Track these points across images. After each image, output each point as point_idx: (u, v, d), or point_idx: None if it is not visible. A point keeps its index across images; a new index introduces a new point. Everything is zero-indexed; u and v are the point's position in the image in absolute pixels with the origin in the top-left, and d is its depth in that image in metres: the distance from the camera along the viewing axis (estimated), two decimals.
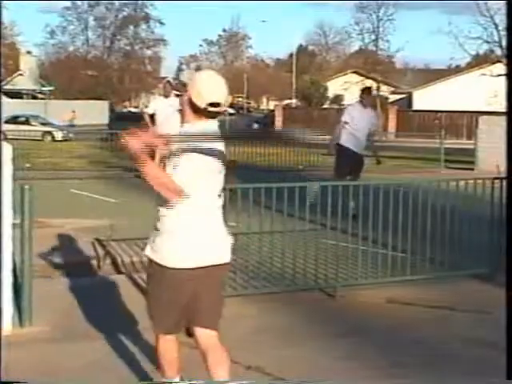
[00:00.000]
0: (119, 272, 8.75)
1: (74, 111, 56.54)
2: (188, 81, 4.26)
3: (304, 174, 19.59)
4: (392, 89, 66.61)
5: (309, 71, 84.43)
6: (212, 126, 4.27)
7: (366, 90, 13.47)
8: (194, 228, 4.23)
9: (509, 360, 4.51)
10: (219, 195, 4.31)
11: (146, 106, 18.52)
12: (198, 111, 4.20)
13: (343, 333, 6.52)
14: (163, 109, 15.05)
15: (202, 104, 4.16)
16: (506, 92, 4.91)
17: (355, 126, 12.49)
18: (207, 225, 4.26)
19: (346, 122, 12.59)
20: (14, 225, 6.21)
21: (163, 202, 4.21)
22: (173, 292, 4.29)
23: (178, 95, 15.79)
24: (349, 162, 12.42)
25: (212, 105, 4.16)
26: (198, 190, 4.15)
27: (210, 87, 4.17)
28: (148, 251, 4.41)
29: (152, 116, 15.46)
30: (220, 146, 4.26)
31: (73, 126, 50.54)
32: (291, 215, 7.74)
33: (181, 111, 4.31)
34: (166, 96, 16.04)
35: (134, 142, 4.03)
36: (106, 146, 25.57)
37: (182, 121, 4.29)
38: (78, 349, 5.92)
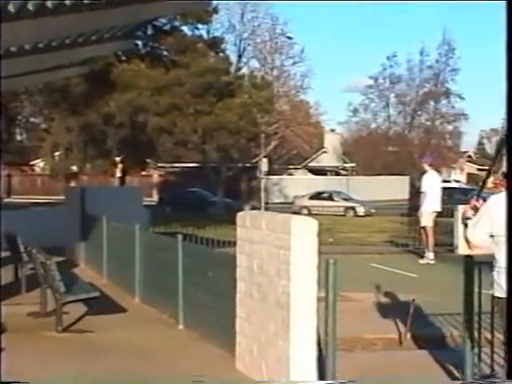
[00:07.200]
0: (420, 347, 8.76)
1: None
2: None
3: None
4: None
5: None
6: None
7: None
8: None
9: (509, 360, 4.46)
10: None
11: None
12: None
13: None
14: (433, 183, 16.75)
15: None
16: (505, 93, 4.52)
17: None
18: None
19: None
20: (318, 298, 6.48)
21: None
22: None
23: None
24: None
25: None
26: None
27: None
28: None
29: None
30: None
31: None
32: None
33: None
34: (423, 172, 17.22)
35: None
36: (407, 221, 25.68)
37: None
38: None
